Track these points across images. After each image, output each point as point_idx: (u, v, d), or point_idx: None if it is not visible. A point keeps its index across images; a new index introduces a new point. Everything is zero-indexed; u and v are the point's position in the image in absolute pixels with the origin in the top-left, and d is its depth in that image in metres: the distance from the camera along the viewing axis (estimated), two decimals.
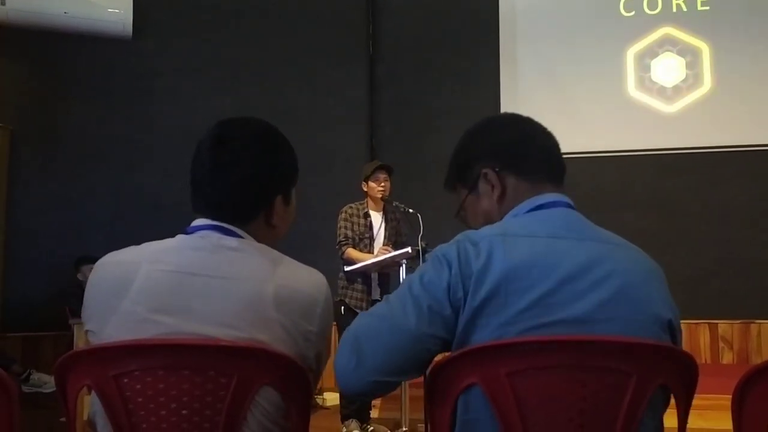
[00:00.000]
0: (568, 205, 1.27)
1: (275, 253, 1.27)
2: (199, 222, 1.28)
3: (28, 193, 5.87)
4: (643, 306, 1.15)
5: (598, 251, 1.18)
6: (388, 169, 4.30)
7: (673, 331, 1.19)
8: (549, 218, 1.23)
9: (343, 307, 4.12)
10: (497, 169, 1.30)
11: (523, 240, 1.17)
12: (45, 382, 5.20)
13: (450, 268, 1.14)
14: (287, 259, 1.27)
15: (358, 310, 4.09)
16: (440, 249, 1.19)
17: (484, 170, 1.31)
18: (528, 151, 1.31)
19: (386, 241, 4.26)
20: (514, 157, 1.30)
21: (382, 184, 4.24)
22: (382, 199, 4.25)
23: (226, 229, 1.26)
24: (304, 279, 1.25)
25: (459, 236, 1.19)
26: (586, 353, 1.08)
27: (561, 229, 1.20)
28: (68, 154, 5.97)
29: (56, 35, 5.75)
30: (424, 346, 1.15)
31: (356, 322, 1.21)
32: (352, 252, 4.13)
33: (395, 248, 4.04)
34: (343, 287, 4.17)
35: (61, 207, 5.86)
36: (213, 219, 1.27)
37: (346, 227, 4.20)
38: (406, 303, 1.16)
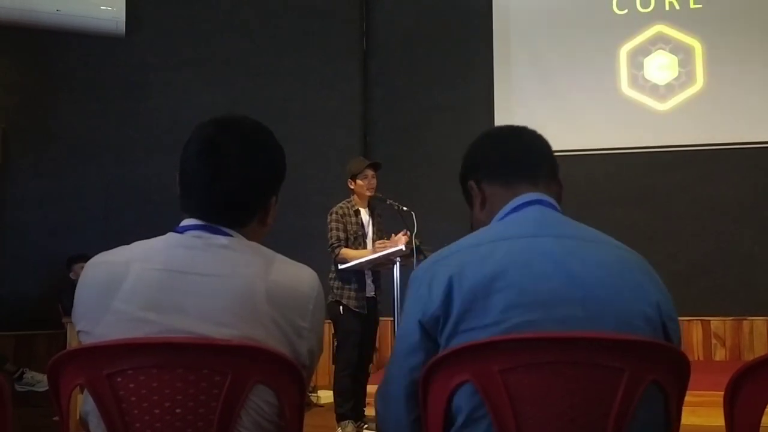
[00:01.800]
0: (543, 203, 1.31)
1: (266, 250, 1.28)
2: (189, 221, 1.27)
3: (20, 191, 5.84)
4: (622, 301, 1.17)
5: (575, 248, 1.21)
6: (378, 166, 4.28)
7: (658, 324, 1.19)
8: (523, 219, 1.29)
9: (341, 307, 4.10)
10: (477, 180, 1.39)
11: (497, 244, 1.21)
12: (38, 380, 5.19)
13: (428, 288, 1.20)
14: (278, 255, 1.28)
15: (357, 310, 4.09)
16: (414, 272, 1.27)
17: (469, 183, 1.41)
18: (499, 157, 1.39)
19: (375, 237, 4.25)
20: (488, 166, 1.39)
21: (372, 181, 4.22)
22: (370, 196, 4.24)
23: (216, 228, 1.25)
24: (296, 275, 1.25)
25: (433, 255, 1.28)
26: (577, 350, 1.09)
27: (535, 228, 1.25)
28: (60, 151, 5.95)
29: (49, 33, 5.72)
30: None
31: (377, 392, 1.31)
32: (347, 252, 4.09)
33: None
34: (337, 288, 4.13)
35: (53, 204, 5.84)
36: (206, 220, 1.26)
37: (338, 228, 4.14)
38: (401, 353, 1.23)
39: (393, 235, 4.06)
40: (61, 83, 6.02)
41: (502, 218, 1.32)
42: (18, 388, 5.14)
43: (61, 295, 5.06)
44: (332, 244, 4.12)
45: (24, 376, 5.22)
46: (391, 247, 3.87)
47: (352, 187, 4.25)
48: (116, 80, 6.07)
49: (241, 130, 1.29)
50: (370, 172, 4.22)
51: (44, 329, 5.54)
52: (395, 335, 1.30)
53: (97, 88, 6.03)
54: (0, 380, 1.13)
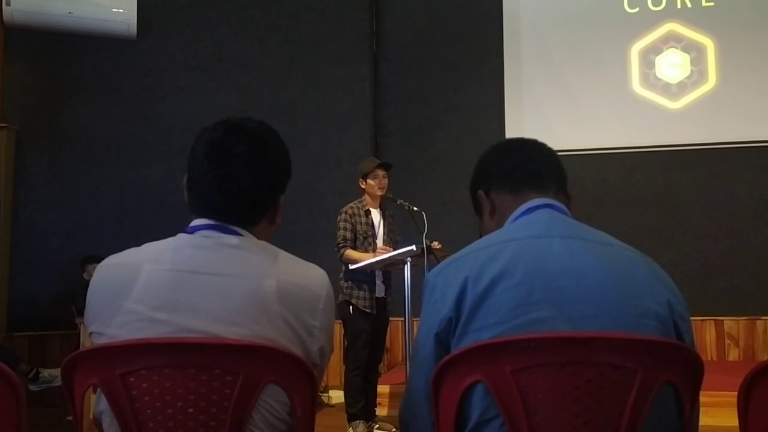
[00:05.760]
0: (553, 207, 1.33)
1: (276, 249, 1.29)
2: (199, 222, 1.28)
3: (34, 193, 5.89)
4: (633, 300, 1.17)
5: (584, 248, 1.23)
6: (388, 167, 4.29)
7: (670, 323, 1.19)
8: (533, 221, 1.31)
9: (351, 307, 4.11)
10: (486, 190, 1.43)
11: (507, 245, 1.23)
12: (55, 376, 5.18)
13: (442, 291, 1.22)
14: (288, 255, 1.29)
15: (367, 311, 4.09)
16: (427, 277, 1.29)
17: (478, 193, 1.45)
18: (508, 167, 1.42)
19: (386, 237, 4.25)
20: (497, 176, 1.42)
21: (383, 181, 4.23)
22: (381, 196, 4.24)
23: (226, 227, 1.26)
24: (306, 274, 1.27)
25: (446, 260, 1.30)
26: (591, 350, 1.08)
27: (544, 230, 1.26)
28: (73, 153, 5.99)
29: (61, 35, 5.76)
30: None
31: (401, 402, 1.33)
32: (351, 253, 4.10)
33: (392, 248, 4.04)
34: (347, 288, 4.14)
35: (67, 206, 5.88)
36: (216, 220, 1.27)
37: (345, 228, 4.15)
38: (419, 364, 1.25)
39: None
40: (74, 86, 6.06)
41: (513, 221, 1.34)
42: (34, 387, 5.16)
43: (74, 296, 5.09)
44: (338, 244, 4.14)
45: (40, 375, 5.24)
46: (393, 251, 3.88)
47: (363, 186, 4.26)
48: (128, 83, 6.11)
49: (247, 130, 1.30)
50: (380, 172, 4.23)
51: (57, 330, 5.58)
52: (414, 343, 1.30)
53: (109, 91, 6.07)
54: (15, 381, 1.14)
